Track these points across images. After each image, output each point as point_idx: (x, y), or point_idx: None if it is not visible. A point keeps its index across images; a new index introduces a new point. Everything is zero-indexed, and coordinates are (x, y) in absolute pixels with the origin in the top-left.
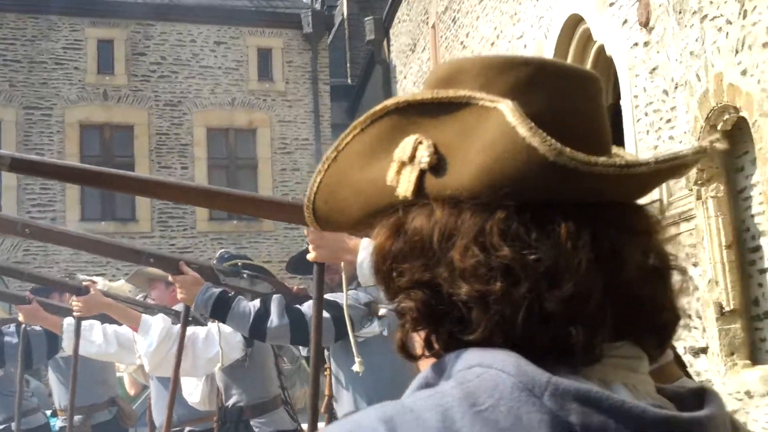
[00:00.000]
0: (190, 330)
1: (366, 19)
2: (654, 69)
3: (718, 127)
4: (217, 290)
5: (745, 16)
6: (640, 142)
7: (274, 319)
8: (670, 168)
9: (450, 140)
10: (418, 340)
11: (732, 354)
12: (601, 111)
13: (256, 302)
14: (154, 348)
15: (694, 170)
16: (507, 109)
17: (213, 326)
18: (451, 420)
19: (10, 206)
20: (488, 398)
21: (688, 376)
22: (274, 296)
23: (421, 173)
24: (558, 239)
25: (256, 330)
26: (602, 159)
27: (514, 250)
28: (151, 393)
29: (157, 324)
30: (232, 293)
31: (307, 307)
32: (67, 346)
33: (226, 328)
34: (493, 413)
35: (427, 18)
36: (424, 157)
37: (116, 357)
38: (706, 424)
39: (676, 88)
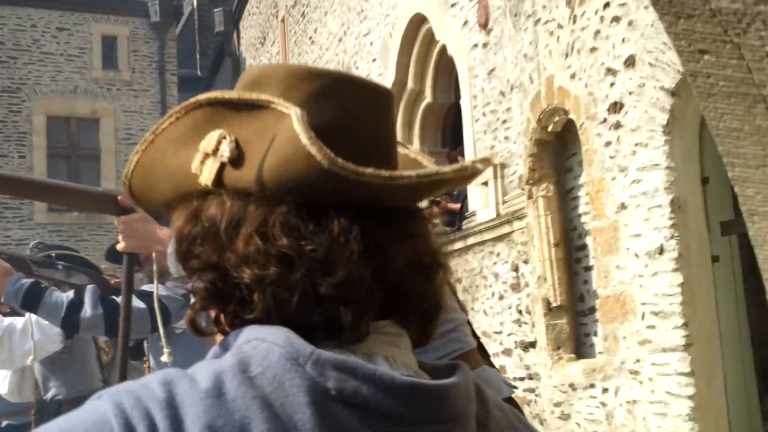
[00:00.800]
0: (8, 321)
1: (216, 10)
2: (492, 70)
3: (549, 129)
4: (28, 281)
5: (575, 21)
6: (478, 142)
7: (87, 309)
8: (432, 182)
9: (250, 138)
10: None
11: (558, 348)
12: (388, 123)
13: (70, 293)
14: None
15: (526, 170)
16: (295, 116)
17: (30, 317)
18: (221, 382)
19: None
20: (258, 366)
21: (490, 364)
22: (89, 287)
23: (222, 165)
24: (332, 233)
25: (69, 321)
26: (369, 170)
27: (292, 240)
28: None
29: None
30: (45, 284)
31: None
32: None
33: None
34: (261, 379)
35: (277, 12)
36: (225, 151)
37: None
38: (447, 389)
39: (511, 89)
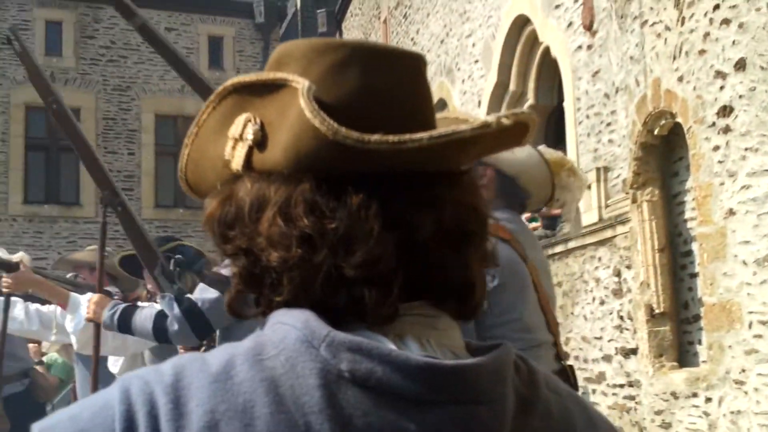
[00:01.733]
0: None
1: (319, 11)
2: (596, 72)
3: (655, 132)
4: (120, 308)
5: (683, 23)
6: (581, 144)
7: (171, 318)
8: (447, 142)
9: (273, 118)
10: None
11: (660, 356)
12: (418, 88)
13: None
14: (82, 326)
15: (631, 174)
16: (300, 90)
17: (147, 305)
18: (231, 365)
19: None
20: (273, 349)
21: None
22: (167, 296)
23: (250, 149)
24: (351, 209)
25: (158, 330)
26: (375, 137)
27: (313, 220)
28: (76, 371)
29: (86, 303)
30: (134, 305)
31: (199, 294)
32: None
33: (153, 304)
34: (273, 361)
35: (379, 13)
36: (249, 134)
37: (37, 334)
38: (468, 369)
39: (616, 92)
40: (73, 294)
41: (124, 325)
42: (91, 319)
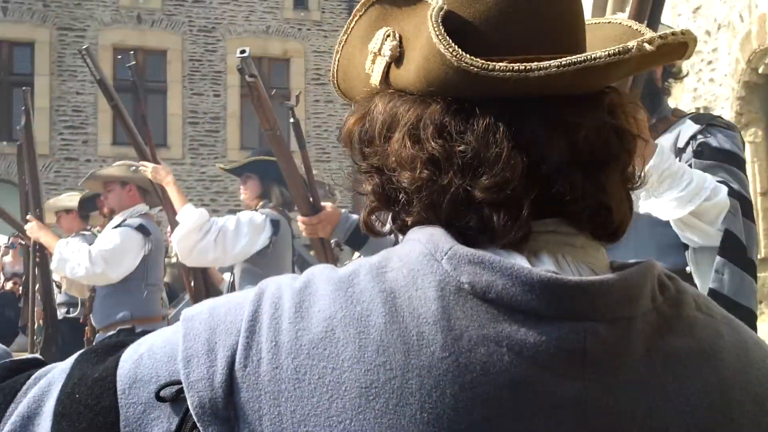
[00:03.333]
0: (221, 221)
1: None
2: (697, 8)
3: (760, 71)
4: (356, 219)
5: None
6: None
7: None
8: (578, 70)
9: (410, 34)
10: None
11: (760, 302)
12: (564, 6)
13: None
14: (181, 235)
15: (733, 114)
16: (430, 11)
17: (242, 215)
18: (355, 275)
19: (43, 127)
20: (398, 262)
21: None
22: None
23: (388, 64)
24: (479, 132)
25: None
26: (501, 64)
27: (441, 142)
28: (96, 296)
29: (192, 214)
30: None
31: None
32: (56, 269)
33: (252, 217)
34: (396, 274)
35: None
36: (387, 50)
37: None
38: (589, 287)
39: (718, 28)
40: (188, 204)
41: (356, 238)
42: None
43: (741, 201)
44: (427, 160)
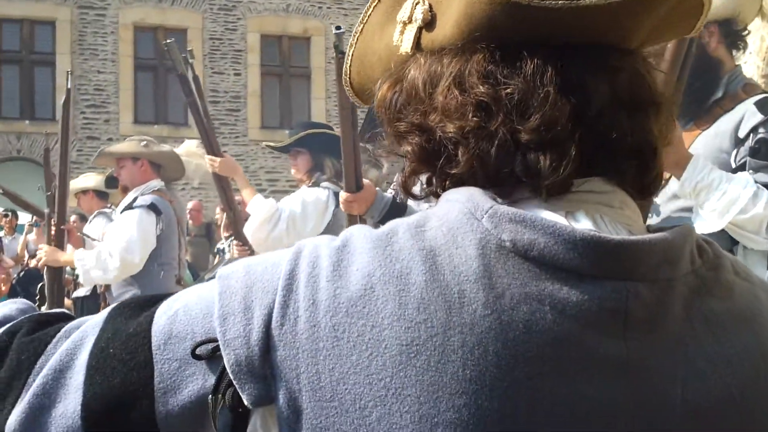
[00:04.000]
0: (287, 207)
1: None
2: None
3: None
4: (389, 198)
5: None
6: None
7: None
8: (627, 2)
9: None
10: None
11: None
12: None
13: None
14: (254, 228)
15: None
16: None
17: (306, 195)
18: (393, 233)
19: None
20: (437, 221)
21: None
22: None
23: (419, 30)
24: (526, 75)
25: None
26: None
27: (488, 87)
28: None
29: (261, 206)
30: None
31: None
32: (84, 281)
33: (318, 195)
34: (435, 232)
35: None
36: (419, 14)
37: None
38: (630, 246)
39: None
40: (258, 195)
41: (390, 215)
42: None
43: None
44: (475, 106)
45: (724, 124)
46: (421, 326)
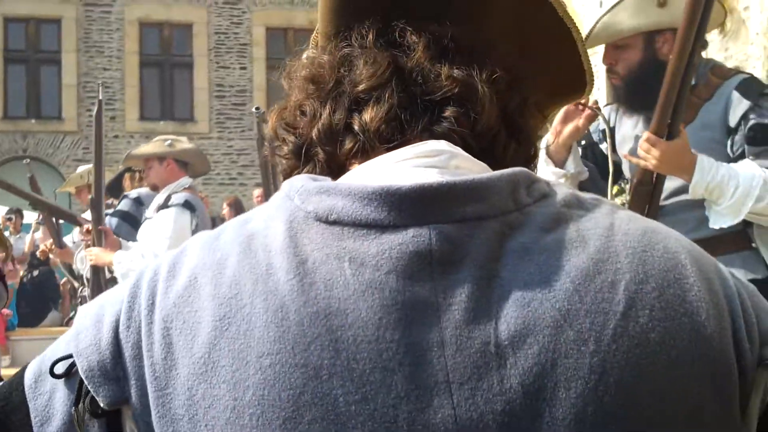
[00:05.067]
0: None
1: None
2: None
3: None
4: None
5: None
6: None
7: None
8: None
9: None
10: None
11: None
12: None
13: None
14: None
15: (765, 74)
16: None
17: None
18: (222, 230)
19: (71, 104)
20: (260, 211)
21: None
22: None
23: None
24: (351, 40)
25: None
26: None
27: (328, 55)
28: None
29: None
30: None
31: None
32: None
33: None
34: (256, 221)
35: None
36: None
37: None
38: (429, 190)
39: None
40: None
41: None
42: None
43: None
44: (313, 75)
45: (710, 114)
46: (231, 301)
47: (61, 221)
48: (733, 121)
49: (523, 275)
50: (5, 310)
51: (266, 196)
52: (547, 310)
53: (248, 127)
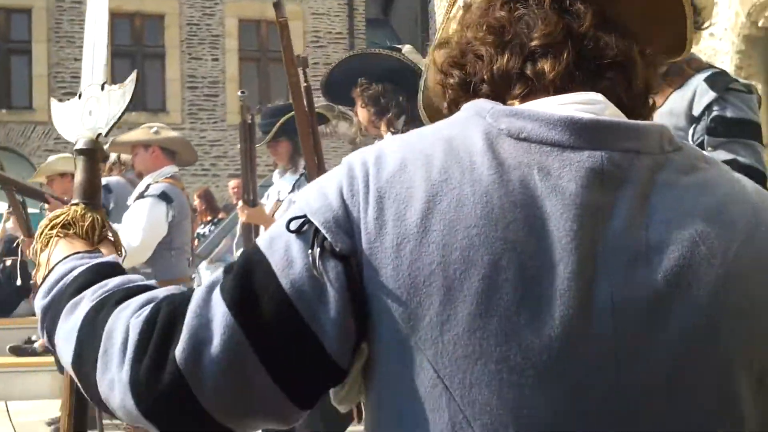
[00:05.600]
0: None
1: None
2: None
3: (759, 24)
4: None
5: None
6: None
7: None
8: None
9: None
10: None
11: None
12: None
13: None
14: None
15: (733, 68)
16: None
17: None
18: (419, 133)
19: (42, 94)
20: (449, 122)
21: None
22: None
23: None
24: (530, 3)
25: None
26: None
27: (506, 12)
28: (124, 261)
29: None
30: None
31: None
32: None
33: None
34: (450, 128)
35: None
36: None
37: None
38: (602, 122)
39: None
40: None
41: None
42: None
43: (747, 174)
44: (496, 26)
45: (677, 102)
46: (443, 184)
47: (30, 211)
48: (697, 111)
49: (668, 202)
50: None
51: (245, 184)
52: (687, 229)
53: (221, 118)
